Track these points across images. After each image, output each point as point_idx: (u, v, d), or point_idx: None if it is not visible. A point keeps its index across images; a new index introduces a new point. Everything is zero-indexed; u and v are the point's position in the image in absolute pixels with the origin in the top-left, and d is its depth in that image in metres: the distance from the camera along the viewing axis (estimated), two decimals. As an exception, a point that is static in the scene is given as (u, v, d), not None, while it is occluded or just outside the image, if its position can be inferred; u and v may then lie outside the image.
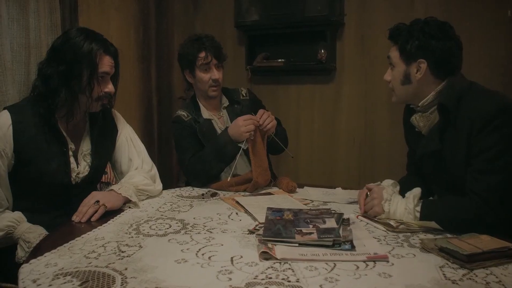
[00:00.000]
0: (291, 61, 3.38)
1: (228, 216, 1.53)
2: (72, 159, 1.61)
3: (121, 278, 1.04)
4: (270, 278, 1.04)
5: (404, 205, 1.42)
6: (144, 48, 3.28)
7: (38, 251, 1.21)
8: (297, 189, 1.89)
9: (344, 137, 3.36)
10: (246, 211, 1.57)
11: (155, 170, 1.84)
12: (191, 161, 1.99)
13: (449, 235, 1.31)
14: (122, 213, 1.56)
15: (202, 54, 2.07)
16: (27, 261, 1.15)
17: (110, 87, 1.60)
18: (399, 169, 1.85)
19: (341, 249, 1.19)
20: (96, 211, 1.49)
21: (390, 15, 3.08)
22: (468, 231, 1.26)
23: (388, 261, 1.14)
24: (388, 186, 1.52)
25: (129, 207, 1.62)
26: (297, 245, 1.21)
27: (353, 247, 1.20)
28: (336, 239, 1.22)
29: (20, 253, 1.45)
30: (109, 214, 1.52)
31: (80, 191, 1.61)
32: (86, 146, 1.67)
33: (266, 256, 1.16)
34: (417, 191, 1.44)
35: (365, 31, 3.22)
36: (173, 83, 3.62)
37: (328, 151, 3.41)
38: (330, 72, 3.33)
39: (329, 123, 3.40)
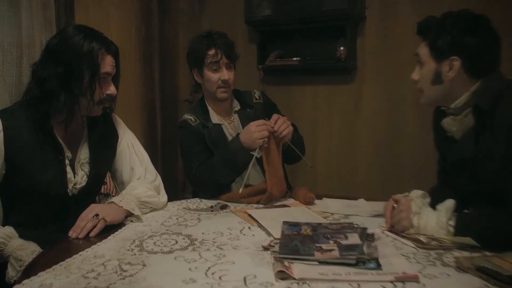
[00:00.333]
0: (307, 60, 3.38)
1: (240, 231, 1.53)
2: (68, 168, 1.61)
3: (123, 300, 1.03)
4: (288, 300, 1.03)
5: (435, 219, 1.40)
6: (147, 47, 3.30)
7: (31, 270, 1.21)
8: (315, 201, 1.88)
9: (366, 143, 3.34)
10: (260, 225, 1.56)
11: (159, 180, 1.84)
12: (199, 170, 1.99)
13: (488, 253, 1.28)
14: (123, 227, 1.56)
15: (212, 52, 2.08)
16: (19, 281, 1.15)
17: (112, 89, 1.61)
18: (428, 178, 1.82)
19: (365, 268, 1.17)
20: (95, 226, 1.49)
21: (418, 7, 3.07)
22: (510, 248, 1.23)
23: (418, 282, 1.12)
24: (417, 198, 1.50)
25: (131, 221, 1.62)
26: (316, 263, 1.20)
27: (379, 266, 1.19)
28: (360, 256, 1.20)
29: (11, 273, 1.45)
30: (110, 229, 1.52)
31: (77, 203, 1.62)
32: (84, 154, 1.68)
33: (282, 275, 1.15)
34: (450, 203, 1.41)
35: (389, 26, 3.20)
36: (178, 85, 3.64)
37: (349, 158, 3.39)
38: (350, 72, 3.32)
39: (349, 128, 3.39)
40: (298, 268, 1.17)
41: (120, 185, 1.82)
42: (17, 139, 1.53)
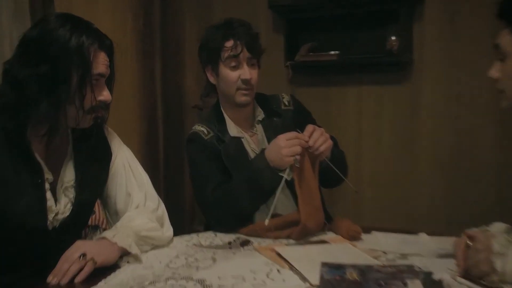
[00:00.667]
0: (349, 54, 3.40)
1: (267, 274, 1.52)
2: (49, 194, 1.62)
3: None
4: None
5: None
6: (146, 40, 3.35)
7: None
8: (362, 236, 1.87)
9: (426, 159, 3.32)
10: (292, 268, 1.55)
11: (162, 209, 1.85)
12: (214, 195, 2.00)
13: None
14: (117, 270, 1.56)
15: (230, 43, 2.10)
16: None
17: (106, 94, 1.62)
18: (513, 207, 1.79)
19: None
20: (81, 269, 1.49)
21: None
22: None
23: None
24: (499, 233, 1.47)
25: (128, 262, 1.62)
26: (368, 319, 1.19)
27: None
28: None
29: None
30: (100, 272, 1.52)
31: (59, 239, 1.61)
32: (68, 176, 1.69)
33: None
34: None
35: (456, 8, 3.19)
36: (185, 87, 3.67)
37: (405, 180, 3.38)
38: (404, 68, 3.33)
39: (404, 141, 3.39)
40: (344, 325, 1.16)
41: (113, 216, 1.82)
42: (-17, 157, 1.54)
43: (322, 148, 1.91)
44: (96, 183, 1.77)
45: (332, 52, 3.41)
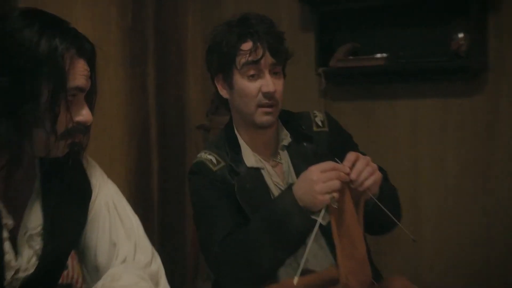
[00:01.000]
0: (400, 57, 3.39)
1: None
2: (7, 245, 1.60)
3: None
4: None
5: None
6: (135, 41, 3.37)
7: None
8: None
9: (506, 195, 3.28)
10: None
11: (158, 264, 1.82)
12: (225, 244, 1.99)
13: None
14: None
15: (248, 45, 2.08)
16: None
17: (85, 114, 1.61)
18: None
19: None
20: None
21: None
22: None
23: None
24: None
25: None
26: None
27: None
28: None
29: None
30: None
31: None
32: (34, 221, 1.67)
33: None
34: None
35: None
36: (187, 102, 3.69)
37: (478, 224, 3.34)
38: (476, 75, 3.31)
39: (476, 170, 3.36)
40: None
41: (92, 272, 1.80)
42: None
43: (368, 183, 1.89)
44: (71, 230, 1.75)
45: (379, 55, 3.39)
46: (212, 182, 2.10)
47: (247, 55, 2.08)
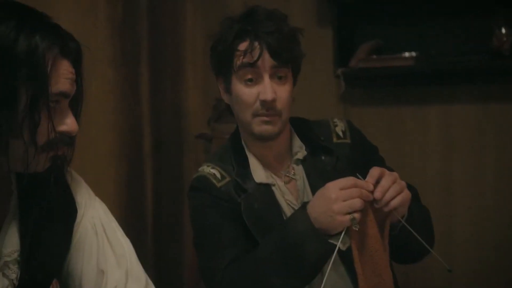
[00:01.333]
0: (431, 56, 3.41)
1: None
2: None
3: None
4: None
5: None
6: (127, 39, 3.38)
7: None
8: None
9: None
10: None
11: (152, 294, 1.83)
12: (230, 273, 1.99)
13: None
14: None
15: (244, 45, 2.08)
16: None
17: (70, 122, 1.61)
18: None
19: None
20: None
21: None
22: None
23: None
24: None
25: None
26: None
27: None
28: None
29: None
30: None
31: None
32: (10, 246, 1.67)
33: None
34: None
35: None
36: (186, 107, 3.70)
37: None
38: (521, 77, 3.30)
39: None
40: None
41: (77, 304, 1.81)
42: None
43: (394, 203, 1.86)
44: (52, 256, 1.75)
45: (407, 54, 3.40)
46: (216, 200, 2.10)
47: (242, 55, 2.08)
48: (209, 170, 2.16)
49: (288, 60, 2.09)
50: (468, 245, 3.42)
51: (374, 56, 3.49)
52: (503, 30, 3.19)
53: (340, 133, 2.25)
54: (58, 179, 1.74)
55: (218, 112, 3.27)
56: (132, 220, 3.36)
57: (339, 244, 1.85)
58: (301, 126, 2.26)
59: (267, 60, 2.06)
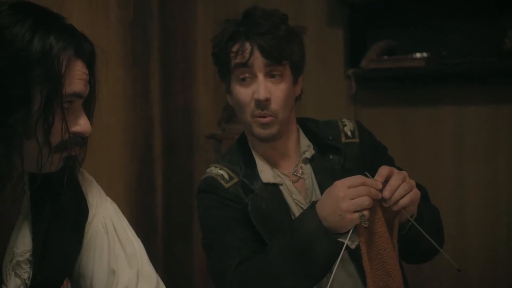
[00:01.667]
0: (444, 57, 3.39)
1: None
2: None
3: None
4: None
5: None
6: (138, 39, 3.39)
7: None
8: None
9: None
10: None
11: (163, 294, 1.83)
12: (240, 273, 1.99)
13: None
14: None
15: (236, 47, 2.10)
16: None
17: (83, 123, 1.61)
18: None
19: None
20: None
21: None
22: None
23: None
24: None
25: None
26: None
27: None
28: None
29: None
30: None
31: None
32: (22, 246, 1.68)
33: None
34: None
35: None
36: (197, 108, 3.71)
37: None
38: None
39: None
40: None
41: (88, 304, 1.81)
42: None
43: (403, 202, 1.86)
44: (64, 256, 1.76)
45: (418, 55, 3.39)
46: (224, 201, 2.10)
47: (235, 56, 2.09)
48: (217, 171, 2.16)
49: (281, 58, 2.09)
50: (480, 245, 3.41)
51: (385, 57, 3.48)
52: (514, 33, 3.19)
53: (349, 133, 2.25)
54: (70, 179, 1.74)
55: (229, 113, 3.27)
56: (142, 220, 3.35)
57: (347, 242, 1.85)
58: (309, 126, 2.26)
59: (259, 59, 2.07)
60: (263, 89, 2.06)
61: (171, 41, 3.58)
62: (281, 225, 2.04)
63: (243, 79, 2.10)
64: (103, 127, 3.12)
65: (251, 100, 2.08)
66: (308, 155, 2.20)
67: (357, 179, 1.88)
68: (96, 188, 1.87)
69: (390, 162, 2.18)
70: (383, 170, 1.89)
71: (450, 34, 3.45)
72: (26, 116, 1.52)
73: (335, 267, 1.85)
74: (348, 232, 1.86)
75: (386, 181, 1.87)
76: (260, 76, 2.08)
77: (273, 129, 2.11)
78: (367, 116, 3.38)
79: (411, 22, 3.53)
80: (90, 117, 1.67)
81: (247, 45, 2.07)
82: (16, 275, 1.67)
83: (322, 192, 2.03)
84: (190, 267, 3.62)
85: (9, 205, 1.68)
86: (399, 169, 1.96)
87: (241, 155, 2.20)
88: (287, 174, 2.18)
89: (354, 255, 1.97)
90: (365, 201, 1.83)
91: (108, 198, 1.89)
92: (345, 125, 2.27)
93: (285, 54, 2.08)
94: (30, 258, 1.68)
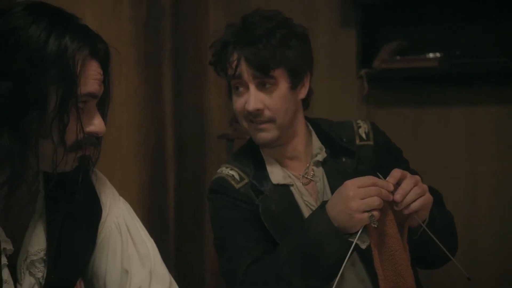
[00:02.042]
0: (456, 57, 3.39)
1: None
2: (6, 273, 1.62)
3: None
4: None
5: None
6: (150, 40, 3.40)
7: None
8: None
9: None
10: None
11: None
12: (251, 273, 2.00)
13: None
14: None
15: (226, 58, 2.11)
16: None
17: (98, 123, 1.62)
18: None
19: None
20: None
21: None
22: None
23: None
24: None
25: None
26: None
27: None
28: None
29: None
30: None
31: None
32: (36, 245, 1.69)
33: None
34: None
35: None
36: (208, 108, 3.72)
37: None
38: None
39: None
40: None
41: (101, 303, 1.81)
42: None
43: (415, 206, 1.85)
44: (78, 256, 1.77)
45: (431, 55, 3.38)
46: (235, 202, 2.11)
47: (231, 68, 2.10)
48: (228, 171, 2.17)
49: (269, 69, 2.06)
50: (490, 253, 3.39)
51: (398, 57, 3.48)
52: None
53: (363, 135, 2.24)
54: (84, 179, 1.74)
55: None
56: (153, 221, 3.35)
57: (356, 241, 1.84)
58: (322, 127, 2.26)
59: (247, 71, 2.07)
60: (252, 100, 2.07)
61: (183, 42, 3.58)
62: (291, 226, 2.04)
63: (237, 88, 2.11)
64: (115, 128, 3.13)
65: (244, 110, 2.10)
66: (320, 158, 2.20)
67: (367, 179, 1.87)
68: (110, 188, 1.88)
69: (405, 165, 2.16)
70: (396, 173, 1.88)
71: (463, 34, 3.43)
72: (42, 116, 1.52)
73: (344, 265, 1.84)
74: (358, 232, 1.85)
75: (398, 184, 1.86)
76: (252, 87, 2.08)
77: (270, 134, 2.11)
78: (379, 116, 3.35)
79: (424, 22, 3.53)
80: (104, 117, 1.67)
81: (235, 57, 2.08)
82: (31, 274, 1.68)
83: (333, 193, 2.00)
84: (201, 267, 3.63)
85: (24, 204, 1.68)
86: (414, 172, 1.95)
87: (251, 156, 2.20)
88: (298, 176, 2.18)
89: (365, 258, 1.97)
90: (375, 201, 1.83)
91: (121, 198, 1.90)
92: (359, 127, 2.26)
93: (275, 63, 2.06)
94: (44, 257, 1.69)
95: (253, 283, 2.00)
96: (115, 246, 1.81)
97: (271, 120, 2.09)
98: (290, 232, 2.02)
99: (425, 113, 3.56)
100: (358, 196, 1.84)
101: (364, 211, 1.83)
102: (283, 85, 2.09)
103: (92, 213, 1.80)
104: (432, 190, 1.94)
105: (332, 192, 2.07)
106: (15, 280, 1.65)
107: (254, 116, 2.08)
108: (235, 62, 2.07)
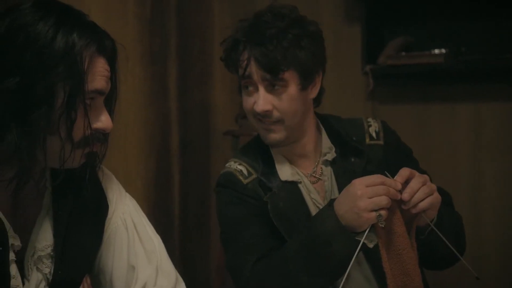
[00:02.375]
0: (462, 53, 3.38)
1: None
2: (13, 269, 1.62)
3: None
4: None
5: None
6: (155, 37, 3.40)
7: None
8: None
9: None
10: None
11: (182, 290, 1.83)
12: (258, 270, 2.00)
13: None
14: None
15: (243, 56, 2.09)
16: None
17: (105, 120, 1.63)
18: None
19: None
20: None
21: None
22: None
23: None
24: None
25: None
26: None
27: None
28: None
29: None
30: None
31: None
32: (43, 241, 1.69)
33: None
34: None
35: None
36: (213, 104, 3.72)
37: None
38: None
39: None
40: None
41: (107, 299, 1.81)
42: None
43: (422, 205, 1.85)
44: (85, 252, 1.77)
45: (437, 51, 3.37)
46: (242, 197, 2.11)
47: (241, 67, 2.09)
48: (236, 166, 2.17)
49: (279, 70, 2.04)
50: (498, 251, 3.39)
51: (403, 53, 3.47)
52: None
53: (374, 134, 2.24)
54: (91, 175, 1.75)
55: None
56: (159, 217, 3.35)
57: (363, 240, 1.84)
58: (332, 124, 2.25)
59: (256, 72, 2.06)
60: (261, 102, 2.06)
61: (189, 39, 3.58)
62: (299, 223, 2.05)
63: (246, 87, 2.11)
64: (120, 124, 3.12)
65: (251, 109, 2.10)
66: (329, 157, 2.20)
67: (376, 178, 1.87)
68: (116, 184, 1.89)
69: (414, 165, 2.14)
70: (404, 172, 1.88)
71: (469, 30, 3.42)
72: (49, 112, 1.53)
73: (351, 263, 1.84)
74: (365, 231, 1.85)
75: (406, 183, 1.86)
76: (261, 88, 2.07)
77: (279, 134, 2.11)
78: (384, 113, 3.39)
79: (429, 18, 3.52)
80: (111, 113, 1.68)
81: (245, 56, 2.07)
82: (38, 269, 1.68)
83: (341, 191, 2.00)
84: (207, 263, 3.63)
85: (31, 200, 1.69)
86: (423, 172, 1.95)
87: (260, 151, 2.20)
88: (306, 174, 2.18)
89: (371, 257, 1.98)
90: (383, 200, 1.82)
91: (127, 194, 1.90)
92: (370, 125, 2.26)
93: (285, 64, 2.04)
94: (52, 253, 1.70)
95: (259, 279, 2.00)
96: (122, 242, 1.81)
97: (280, 121, 2.09)
98: (297, 229, 2.02)
99: (430, 110, 3.55)
100: (366, 195, 1.83)
101: (372, 210, 1.83)
102: (293, 87, 2.08)
103: (98, 209, 1.81)
104: (441, 191, 1.94)
105: (340, 192, 2.05)
106: (23, 275, 1.66)
107: (263, 117, 2.08)
108: (245, 62, 2.06)
